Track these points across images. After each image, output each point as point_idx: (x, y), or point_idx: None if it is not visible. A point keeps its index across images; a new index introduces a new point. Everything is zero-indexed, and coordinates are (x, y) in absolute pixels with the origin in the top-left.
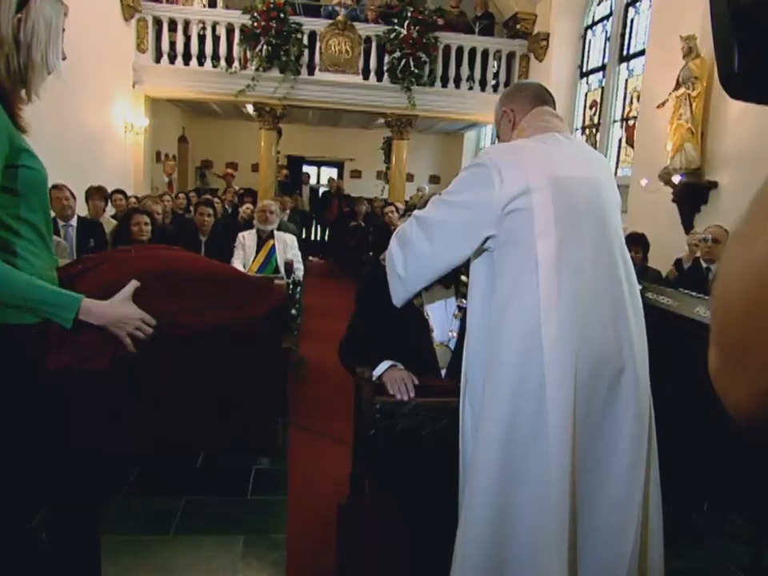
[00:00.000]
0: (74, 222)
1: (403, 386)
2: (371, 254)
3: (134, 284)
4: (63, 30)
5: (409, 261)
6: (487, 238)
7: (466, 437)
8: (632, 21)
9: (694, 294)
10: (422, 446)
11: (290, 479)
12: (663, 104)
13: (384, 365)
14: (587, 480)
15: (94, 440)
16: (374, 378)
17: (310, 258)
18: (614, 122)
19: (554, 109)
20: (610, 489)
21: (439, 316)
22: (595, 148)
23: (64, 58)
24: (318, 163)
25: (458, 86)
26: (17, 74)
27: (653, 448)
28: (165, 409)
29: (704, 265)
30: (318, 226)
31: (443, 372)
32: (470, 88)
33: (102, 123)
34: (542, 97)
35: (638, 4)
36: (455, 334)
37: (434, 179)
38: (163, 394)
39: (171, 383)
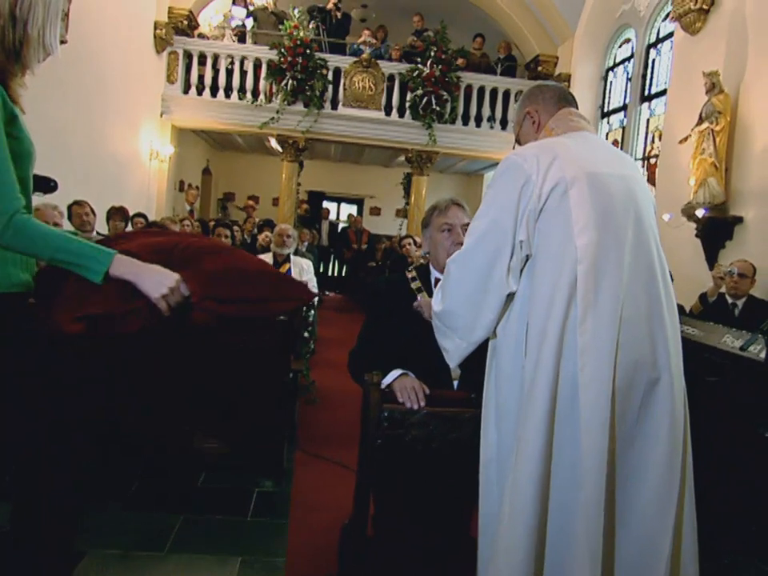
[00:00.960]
0: (93, 237)
1: (413, 394)
2: None
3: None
4: (66, 14)
5: (448, 299)
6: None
7: (489, 434)
8: (653, 61)
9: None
10: (433, 459)
11: (293, 502)
12: (686, 139)
13: (394, 373)
14: (619, 493)
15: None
16: (383, 386)
17: (327, 293)
18: (636, 160)
19: (577, 109)
20: (641, 505)
21: None
22: None
23: (63, 42)
24: (339, 199)
25: (478, 124)
26: (11, 48)
27: (687, 464)
28: (168, 421)
29: (729, 300)
30: (336, 261)
31: (455, 384)
32: (491, 127)
33: (128, 148)
34: (566, 98)
35: (659, 46)
36: None
37: None
38: (169, 408)
39: (178, 397)
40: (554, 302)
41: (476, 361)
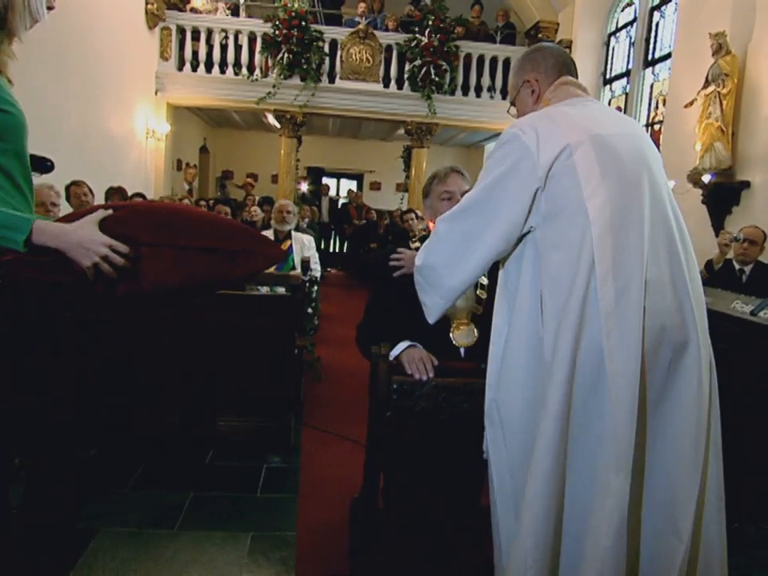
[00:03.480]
0: None
1: (422, 365)
2: None
3: (102, 211)
4: None
5: (431, 255)
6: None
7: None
8: (657, 25)
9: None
10: (442, 430)
11: (302, 478)
12: (691, 103)
13: (402, 345)
14: (647, 459)
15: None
16: (391, 359)
17: (329, 269)
18: None
19: (576, 77)
20: (667, 471)
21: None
22: None
23: (51, 8)
24: (338, 175)
25: (478, 94)
26: None
27: (714, 430)
28: (176, 402)
29: (737, 266)
30: (337, 238)
31: (462, 351)
32: (491, 97)
33: (123, 127)
34: (567, 65)
35: (663, 8)
36: (480, 310)
37: None
38: (175, 388)
39: (184, 379)
40: (570, 267)
41: (486, 330)
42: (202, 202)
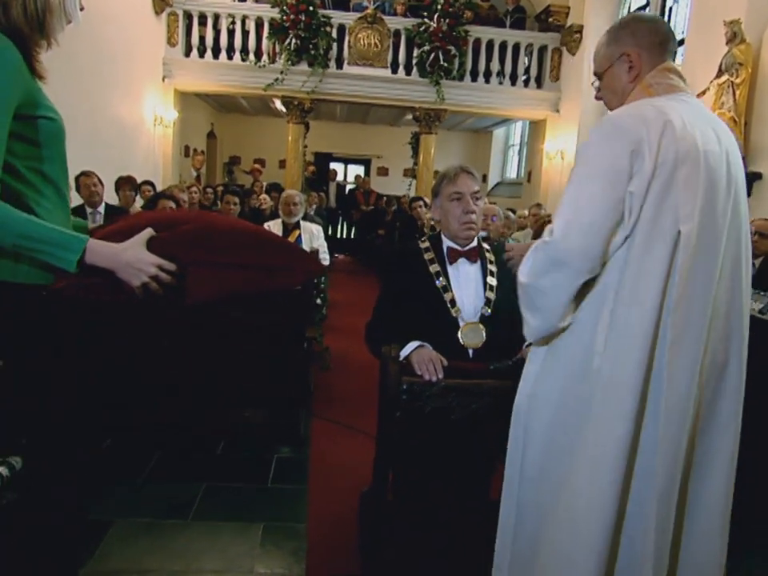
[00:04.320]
0: (101, 209)
1: (431, 366)
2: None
3: (149, 231)
4: None
5: (540, 278)
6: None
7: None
8: (670, 10)
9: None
10: (452, 431)
11: (312, 469)
12: (704, 92)
13: (412, 345)
14: (691, 487)
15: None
16: (401, 359)
17: (336, 255)
18: None
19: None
20: (708, 499)
21: (467, 294)
22: None
23: (82, 8)
24: (345, 160)
25: (487, 80)
26: (35, 18)
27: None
28: (185, 392)
29: None
30: (345, 223)
31: (470, 352)
32: (500, 83)
33: (131, 115)
34: (670, 47)
35: None
36: (488, 312)
37: None
38: (185, 378)
39: (195, 370)
40: (645, 289)
41: (494, 331)
42: (209, 189)
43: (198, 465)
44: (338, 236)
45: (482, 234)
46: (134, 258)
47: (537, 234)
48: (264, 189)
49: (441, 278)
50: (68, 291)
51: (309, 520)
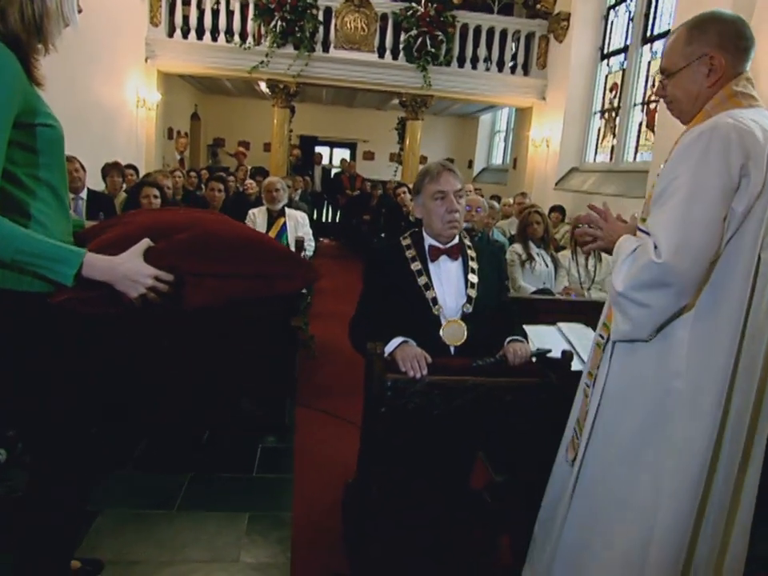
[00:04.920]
0: (83, 194)
1: (415, 363)
2: (383, 235)
3: (146, 242)
4: None
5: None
6: None
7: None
8: (657, 0)
9: None
10: (435, 426)
11: (297, 458)
12: None
13: (396, 341)
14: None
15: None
16: (385, 355)
17: (321, 239)
18: (635, 105)
19: None
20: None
21: (449, 291)
22: (614, 132)
23: (80, 11)
24: (331, 144)
25: (474, 66)
26: (32, 23)
27: None
28: (171, 384)
29: None
30: (330, 208)
31: (452, 349)
32: (487, 69)
33: (114, 97)
34: (752, 55)
35: None
36: (470, 309)
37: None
38: (170, 370)
39: (180, 360)
40: (729, 310)
41: (475, 328)
42: (193, 173)
43: (184, 454)
44: (323, 220)
45: (467, 225)
46: (131, 271)
47: (522, 224)
48: (249, 173)
49: (422, 276)
50: (66, 305)
51: (294, 509)
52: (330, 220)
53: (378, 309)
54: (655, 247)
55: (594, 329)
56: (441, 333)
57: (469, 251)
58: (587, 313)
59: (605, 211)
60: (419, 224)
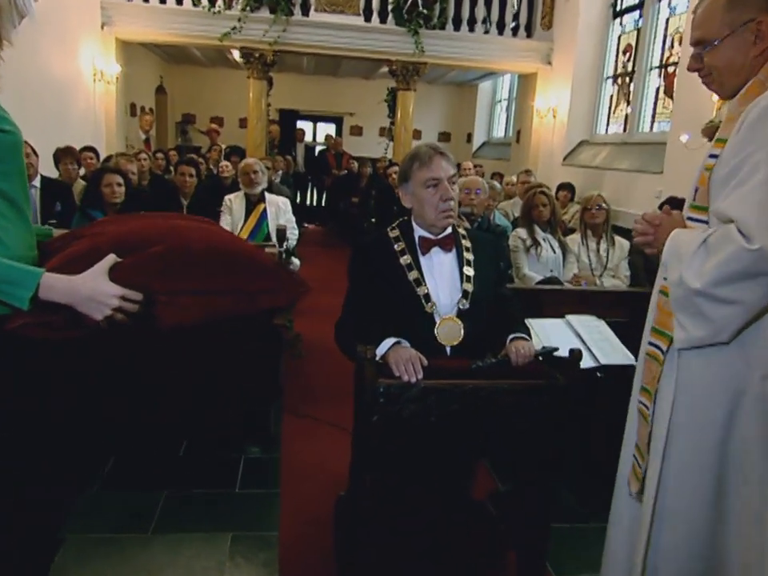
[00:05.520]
0: (36, 182)
1: (410, 366)
2: (373, 220)
3: (112, 257)
4: None
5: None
6: None
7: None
8: None
9: None
10: (432, 434)
11: (284, 470)
12: None
13: (388, 342)
14: None
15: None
16: (377, 358)
17: (305, 224)
18: (651, 69)
19: None
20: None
21: (442, 286)
22: (628, 99)
23: None
24: (314, 118)
25: (472, 29)
26: None
27: None
28: (143, 390)
29: None
30: (315, 189)
31: (448, 350)
32: (486, 31)
33: (66, 70)
34: None
35: None
36: (466, 305)
37: (444, 137)
38: (143, 373)
39: (151, 361)
40: None
41: (473, 326)
42: (160, 154)
43: (158, 470)
44: (308, 204)
45: (466, 209)
46: (95, 291)
47: (526, 206)
48: (223, 153)
49: (413, 271)
50: (21, 331)
51: (281, 528)
52: (314, 203)
53: (366, 308)
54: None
55: (607, 320)
56: (435, 332)
57: (463, 241)
58: (599, 303)
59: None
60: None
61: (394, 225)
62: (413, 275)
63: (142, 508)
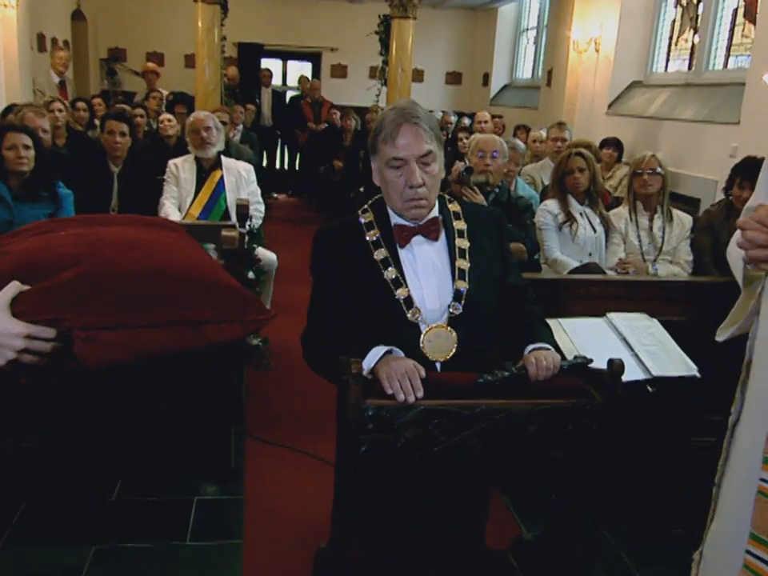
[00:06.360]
0: None
1: (406, 381)
2: (362, 189)
3: (15, 286)
4: None
5: None
6: None
7: None
8: None
9: None
10: (435, 467)
11: (247, 515)
12: None
13: (377, 351)
14: None
15: None
16: (364, 373)
17: (274, 194)
18: None
19: None
20: None
21: (428, 286)
22: (695, 27)
23: None
24: (284, 55)
25: None
26: None
27: None
28: (60, 413)
29: None
30: (285, 149)
31: (438, 367)
32: None
33: None
34: None
35: None
36: (459, 309)
37: (454, 78)
38: (58, 389)
39: (78, 379)
40: None
41: (470, 334)
42: (82, 103)
43: (85, 517)
44: (277, 167)
45: (479, 178)
46: None
47: (559, 171)
48: (164, 102)
49: (390, 268)
50: None
51: None
52: (285, 167)
53: (340, 311)
54: None
55: (661, 319)
56: (420, 345)
57: (456, 223)
58: (652, 297)
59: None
60: None
61: (366, 206)
62: (390, 274)
63: (63, 570)
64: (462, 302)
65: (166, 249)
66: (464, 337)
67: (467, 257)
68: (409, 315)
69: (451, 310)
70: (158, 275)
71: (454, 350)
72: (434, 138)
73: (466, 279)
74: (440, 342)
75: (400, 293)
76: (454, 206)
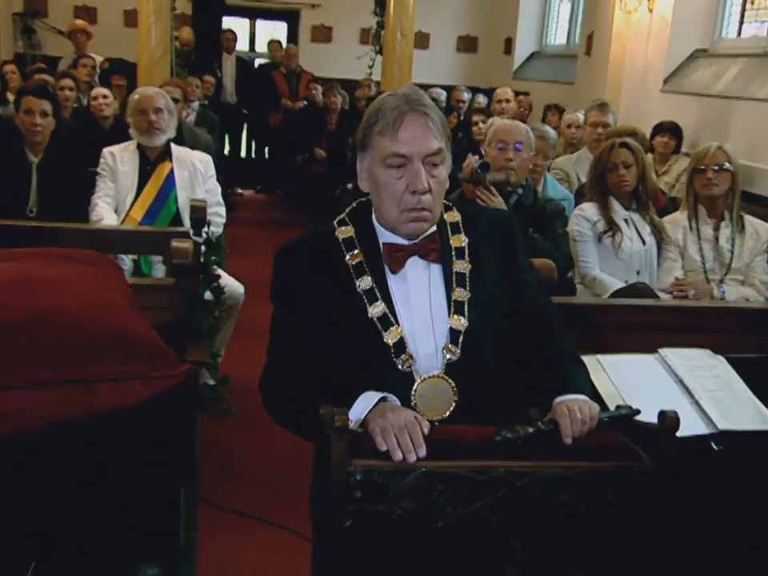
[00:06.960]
0: None
1: (405, 436)
2: (349, 186)
3: None
4: None
5: None
6: None
7: None
8: None
9: None
10: (440, 545)
11: None
12: None
13: (369, 398)
14: None
15: None
16: (353, 425)
17: (239, 190)
18: None
19: None
20: None
21: (421, 324)
22: None
23: None
24: (252, 13)
25: None
26: None
27: None
28: None
29: None
30: (254, 132)
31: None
32: None
33: None
34: None
35: None
36: (458, 353)
37: (467, 45)
38: None
39: None
40: None
41: (473, 384)
42: None
43: None
44: (242, 155)
45: (499, 177)
46: None
47: (599, 166)
48: (98, 71)
49: (377, 302)
50: None
51: None
52: (253, 155)
53: (308, 348)
54: None
55: (729, 357)
56: (412, 399)
57: (453, 239)
58: (717, 328)
59: None
60: None
61: (343, 215)
62: (376, 310)
63: None
64: (459, 344)
65: (62, 290)
66: (465, 387)
67: (467, 284)
68: (399, 363)
69: (446, 356)
70: (38, 323)
71: (453, 406)
72: (444, 136)
73: (465, 314)
74: (436, 397)
75: (389, 336)
76: (451, 216)
